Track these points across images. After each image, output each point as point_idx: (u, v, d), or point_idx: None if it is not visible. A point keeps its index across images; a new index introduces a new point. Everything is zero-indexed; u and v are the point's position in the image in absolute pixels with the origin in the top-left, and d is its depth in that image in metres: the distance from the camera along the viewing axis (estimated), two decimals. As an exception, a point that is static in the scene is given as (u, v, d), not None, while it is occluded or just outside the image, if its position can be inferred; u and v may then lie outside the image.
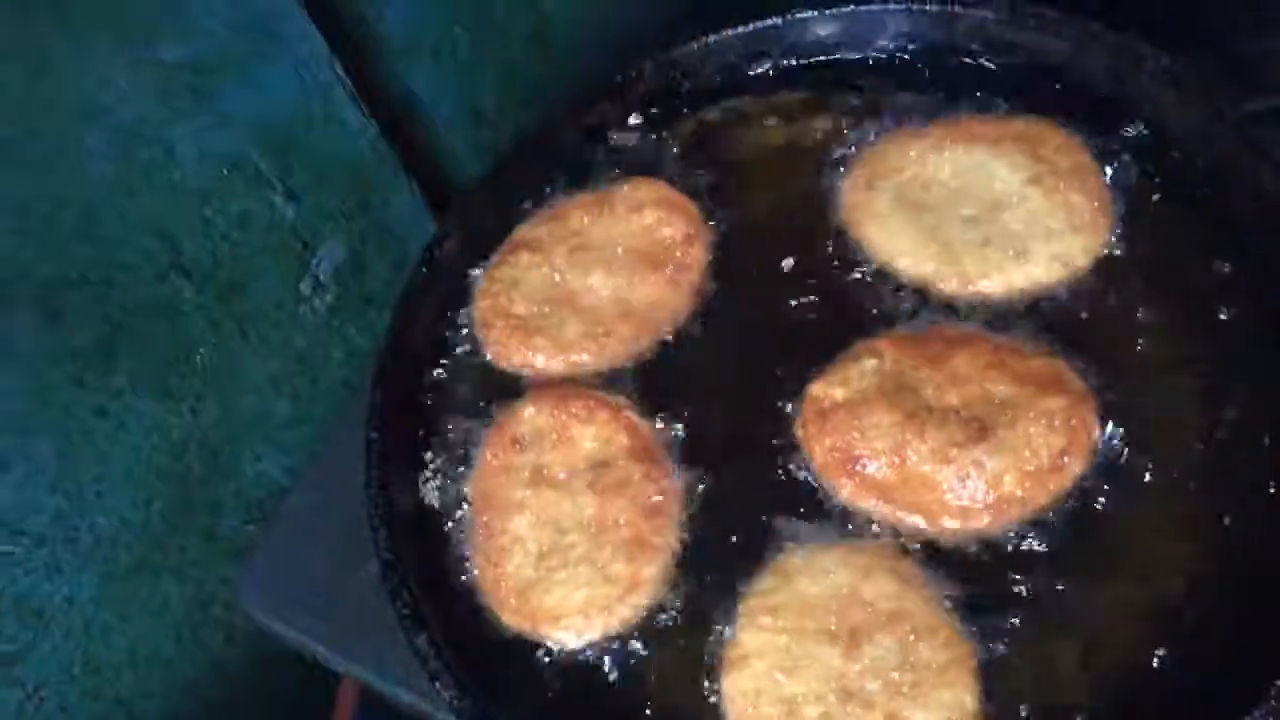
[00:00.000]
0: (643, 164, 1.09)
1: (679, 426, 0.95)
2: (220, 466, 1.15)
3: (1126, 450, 0.86)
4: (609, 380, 0.99)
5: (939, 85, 1.07)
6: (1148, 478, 0.85)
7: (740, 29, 1.11)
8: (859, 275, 0.99)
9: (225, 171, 1.05)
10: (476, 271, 1.06)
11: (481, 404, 1.00)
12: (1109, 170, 0.98)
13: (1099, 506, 0.85)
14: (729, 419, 0.95)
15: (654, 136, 1.12)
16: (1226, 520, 0.82)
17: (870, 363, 0.91)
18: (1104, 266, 0.95)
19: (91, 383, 1.00)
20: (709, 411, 0.95)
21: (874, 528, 0.87)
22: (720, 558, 0.88)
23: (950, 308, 0.95)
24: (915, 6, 1.08)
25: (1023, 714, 0.78)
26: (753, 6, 1.13)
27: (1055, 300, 0.94)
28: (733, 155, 1.09)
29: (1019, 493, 0.84)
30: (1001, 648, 0.80)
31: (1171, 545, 0.82)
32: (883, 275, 0.99)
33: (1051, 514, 0.85)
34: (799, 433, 0.91)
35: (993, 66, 1.07)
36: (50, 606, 1.03)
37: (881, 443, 0.88)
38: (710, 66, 1.12)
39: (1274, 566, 0.80)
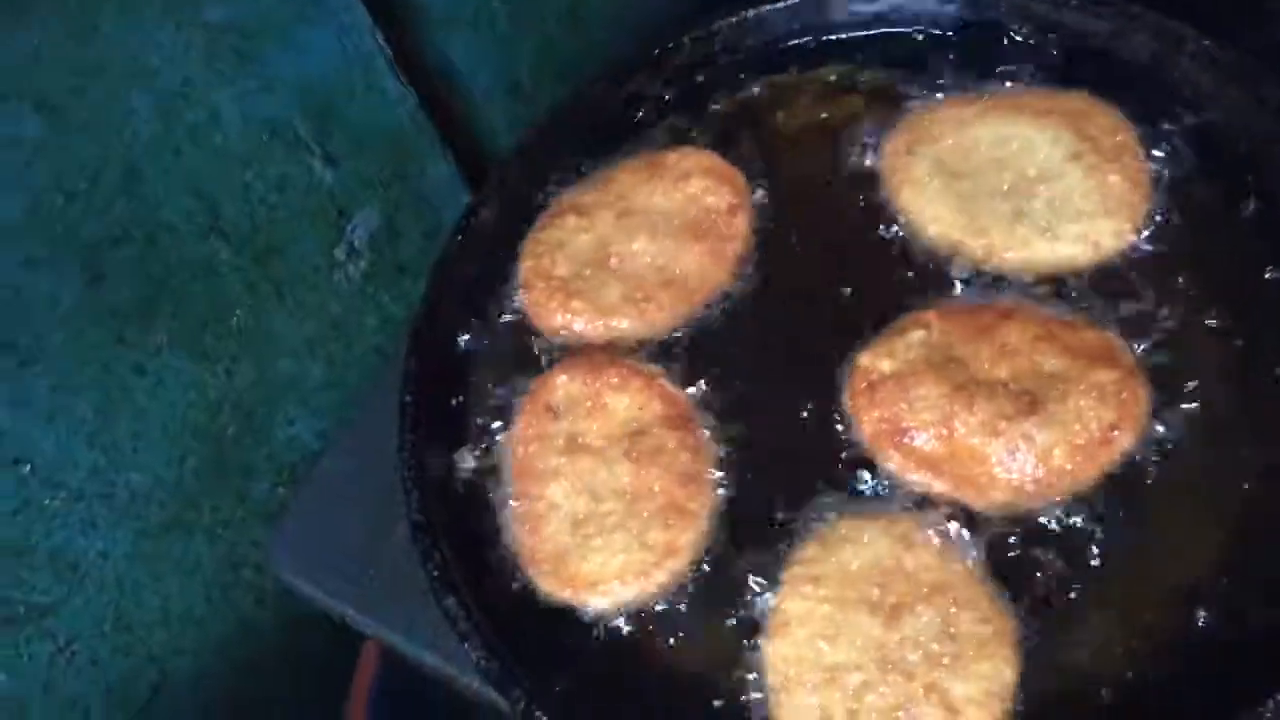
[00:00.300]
0: (682, 135, 1.10)
1: (717, 394, 0.95)
2: (253, 428, 1.17)
3: (1174, 425, 0.86)
4: (647, 347, 0.99)
5: (981, 61, 1.07)
6: (1194, 452, 0.85)
7: (779, 4, 1.11)
8: (895, 242, 0.99)
9: (266, 136, 1.06)
10: (519, 236, 1.07)
11: (517, 369, 1.01)
12: (1151, 152, 0.97)
13: (1146, 481, 0.85)
14: (768, 387, 0.95)
15: (694, 108, 1.11)
16: (1272, 495, 0.82)
17: (918, 334, 0.91)
18: (1135, 249, 0.95)
19: (131, 341, 1.02)
20: (748, 380, 0.96)
21: (917, 499, 0.87)
22: (756, 525, 0.89)
23: (995, 280, 0.95)
24: (955, -18, 1.08)
25: (1061, 686, 0.79)
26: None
27: (1085, 276, 0.94)
28: (774, 127, 1.09)
29: (1068, 466, 0.84)
30: (1042, 620, 0.81)
31: (1217, 521, 0.83)
32: (913, 241, 0.99)
33: (1099, 487, 0.85)
34: (847, 404, 0.91)
35: (1034, 44, 1.07)
36: (85, 561, 1.05)
37: (930, 415, 0.88)
38: (750, 39, 1.12)
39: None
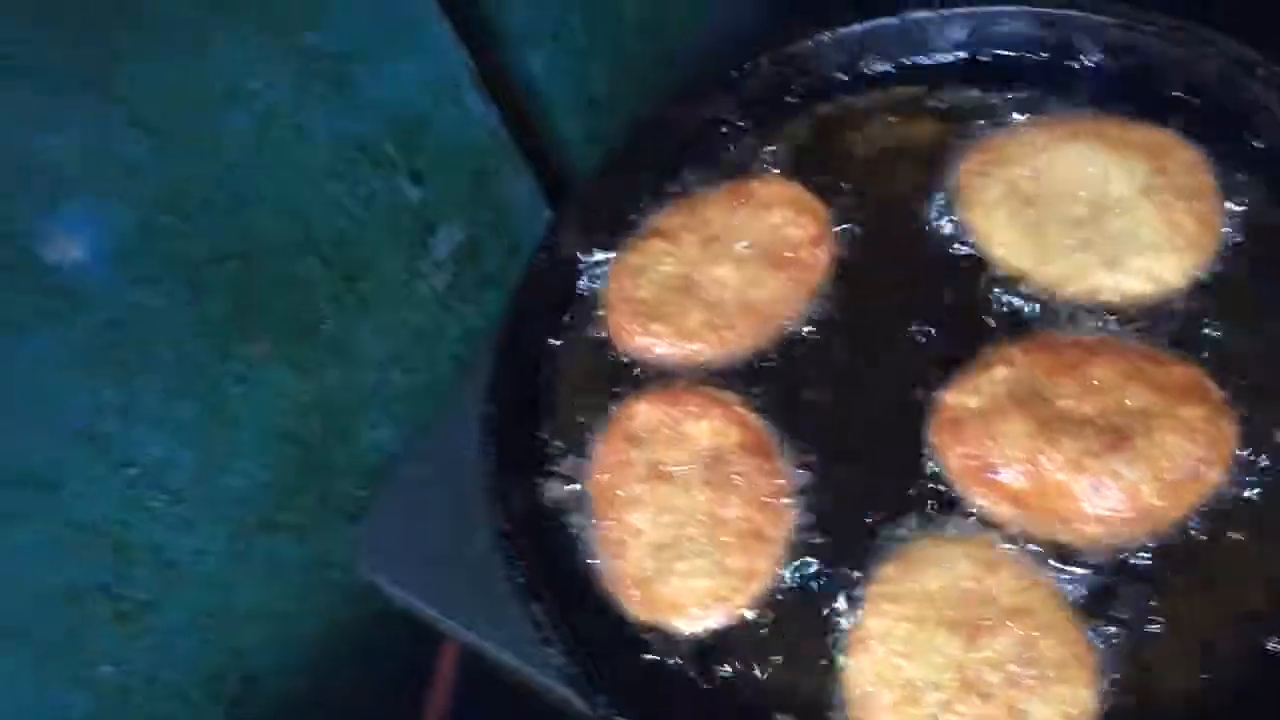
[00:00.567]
0: (760, 160, 1.12)
1: (795, 422, 0.98)
2: (339, 433, 1.21)
3: (1263, 459, 0.87)
4: (726, 372, 1.02)
5: (1058, 86, 1.08)
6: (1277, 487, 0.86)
7: (856, 27, 1.13)
8: (967, 266, 1.01)
9: (356, 155, 1.10)
10: (597, 257, 1.10)
11: (598, 389, 1.05)
12: (1224, 190, 0.98)
13: (1231, 514, 0.86)
14: (845, 415, 0.98)
15: (771, 131, 1.14)
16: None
17: (1002, 371, 0.93)
18: (1201, 285, 0.96)
19: (230, 351, 1.06)
20: (825, 408, 0.99)
21: (993, 529, 0.89)
22: (835, 548, 0.92)
23: (1066, 310, 0.96)
24: (1031, 9, 1.09)
25: (1139, 712, 0.80)
26: (865, 6, 1.14)
27: (1161, 310, 0.95)
28: (852, 149, 1.12)
29: (1156, 501, 0.85)
30: (1122, 647, 0.83)
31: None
32: (983, 265, 1.01)
33: (1185, 520, 0.86)
34: (931, 438, 0.93)
35: (1110, 69, 1.08)
36: (183, 559, 1.09)
37: (1016, 451, 0.89)
38: (825, 63, 1.14)
39: None
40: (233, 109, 0.97)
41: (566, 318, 1.09)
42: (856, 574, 0.90)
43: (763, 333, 1.02)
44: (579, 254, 1.10)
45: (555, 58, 1.31)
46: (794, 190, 1.08)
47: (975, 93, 1.10)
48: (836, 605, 0.89)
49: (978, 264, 1.02)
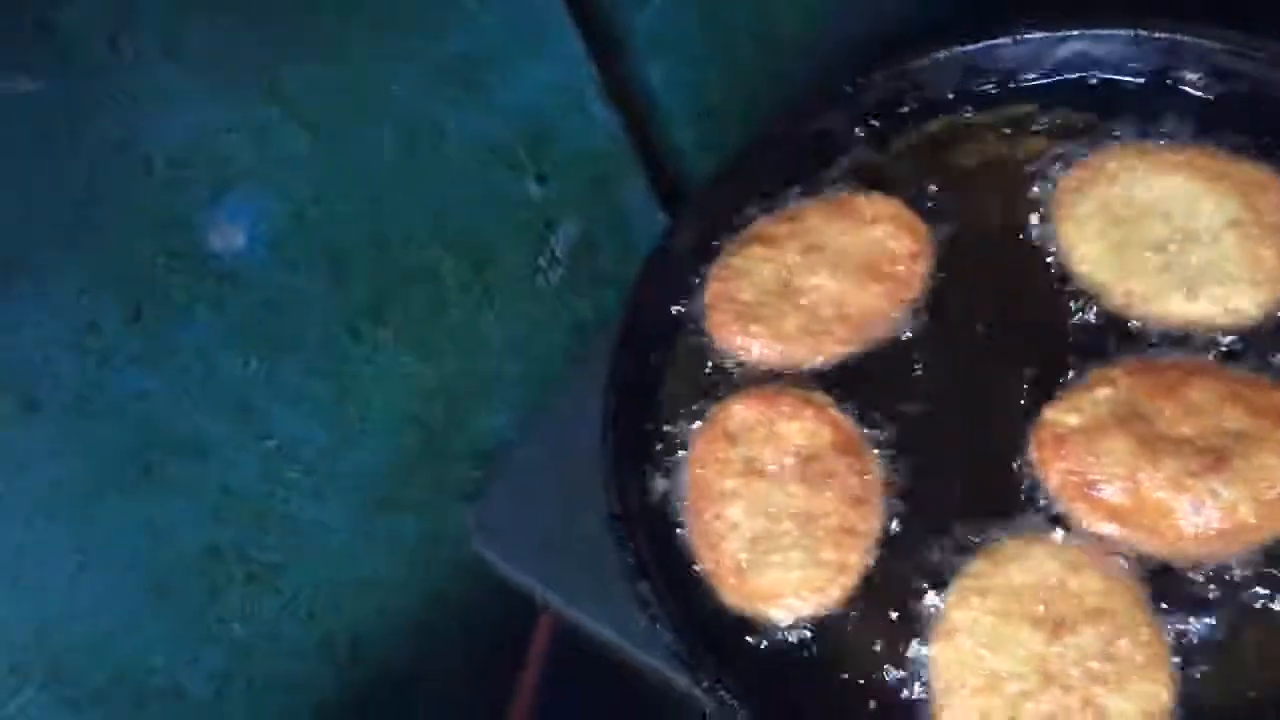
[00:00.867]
0: (867, 172, 1.16)
1: (886, 425, 1.02)
2: (458, 417, 1.27)
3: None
4: (819, 376, 1.07)
5: (1159, 109, 1.11)
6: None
7: (969, 46, 1.16)
8: (1054, 281, 1.05)
9: (487, 154, 1.16)
10: (709, 259, 1.15)
11: (699, 385, 1.10)
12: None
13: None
14: (937, 420, 1.02)
15: (880, 145, 1.18)
16: None
17: (1105, 391, 0.96)
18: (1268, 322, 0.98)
19: (364, 335, 1.13)
20: (917, 414, 1.03)
21: (1076, 534, 0.93)
22: (925, 545, 0.96)
23: (1182, 337, 0.99)
24: (1140, 32, 1.12)
25: (1216, 713, 0.84)
26: (979, 24, 1.18)
27: (1251, 337, 0.98)
28: (956, 166, 1.15)
29: (1253, 520, 0.88)
30: (1203, 654, 0.86)
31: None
32: (1064, 279, 1.05)
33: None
34: (1033, 454, 0.97)
35: (1214, 95, 1.10)
36: (311, 527, 1.16)
37: (1117, 468, 0.92)
38: (937, 80, 1.18)
39: None
40: (380, 111, 1.04)
41: (677, 314, 1.14)
42: (945, 568, 0.94)
43: (857, 340, 1.07)
44: (690, 257, 1.15)
45: (674, 69, 1.36)
46: (895, 206, 1.12)
47: (1082, 114, 1.13)
48: (925, 598, 0.93)
49: (1063, 279, 1.05)
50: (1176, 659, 0.86)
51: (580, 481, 1.06)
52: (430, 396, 1.22)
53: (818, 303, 1.09)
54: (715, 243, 1.16)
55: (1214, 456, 0.91)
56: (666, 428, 1.08)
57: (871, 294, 1.08)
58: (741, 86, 1.45)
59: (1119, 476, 0.92)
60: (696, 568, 1.00)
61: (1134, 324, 1.01)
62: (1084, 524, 0.93)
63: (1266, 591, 0.87)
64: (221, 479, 1.06)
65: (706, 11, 1.36)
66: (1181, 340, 0.99)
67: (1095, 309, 1.03)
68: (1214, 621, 0.87)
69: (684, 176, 1.44)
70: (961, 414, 1.02)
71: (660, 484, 1.05)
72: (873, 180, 1.15)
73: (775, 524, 0.99)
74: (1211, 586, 0.88)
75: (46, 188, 0.85)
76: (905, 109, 1.19)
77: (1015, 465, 0.97)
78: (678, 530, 1.02)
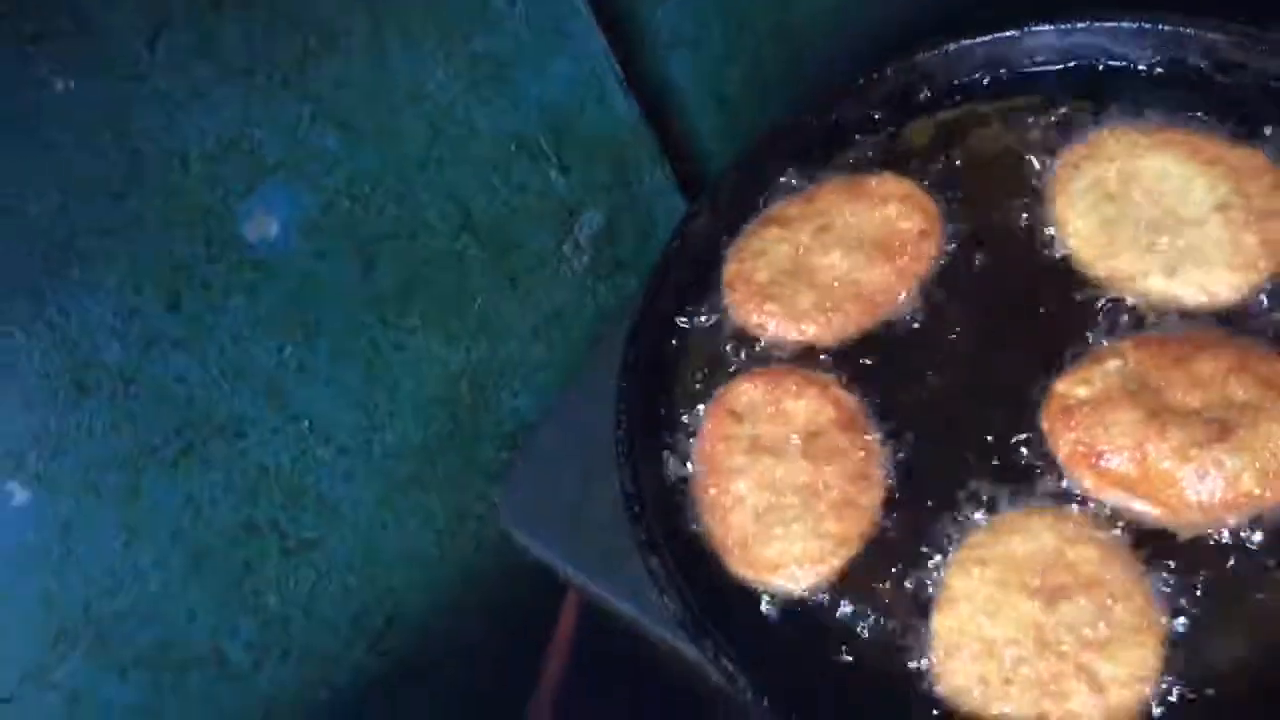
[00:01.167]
0: (880, 159, 1.19)
1: (891, 400, 1.05)
2: (484, 399, 1.32)
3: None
4: (831, 352, 1.10)
5: (1166, 97, 1.12)
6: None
7: (980, 38, 1.19)
8: (1053, 260, 1.08)
9: (513, 148, 1.20)
10: (725, 244, 1.18)
11: (715, 363, 1.13)
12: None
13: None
14: (940, 396, 1.05)
15: (892, 133, 1.21)
16: None
17: (1114, 363, 0.98)
18: (1245, 303, 1.00)
19: (392, 321, 1.17)
20: (922, 389, 1.05)
21: (1077, 505, 0.95)
22: (924, 518, 0.99)
23: (1168, 315, 1.02)
24: (1147, 25, 1.14)
25: (1203, 682, 0.86)
26: (990, 17, 1.20)
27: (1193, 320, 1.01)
28: (966, 152, 1.17)
29: (1256, 490, 0.90)
30: (1195, 621, 0.88)
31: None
32: (1056, 252, 1.07)
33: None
34: (1044, 426, 0.99)
35: (1217, 84, 1.12)
36: (344, 505, 1.21)
37: (1124, 439, 0.94)
38: (948, 72, 1.20)
39: None
40: (409, 107, 1.09)
41: (693, 299, 1.17)
42: (945, 541, 0.97)
43: (869, 317, 1.10)
44: (708, 242, 1.19)
45: (694, 62, 1.39)
46: (906, 186, 1.14)
47: (1088, 101, 1.15)
48: (925, 569, 0.96)
49: (1056, 255, 1.08)
50: (1168, 625, 0.88)
51: (601, 461, 1.09)
52: (456, 380, 1.27)
53: (831, 281, 1.12)
54: (733, 227, 1.19)
55: (1219, 427, 0.93)
56: (681, 407, 1.12)
57: (883, 272, 1.11)
58: (759, 78, 1.48)
59: (1126, 447, 0.94)
60: (706, 543, 1.04)
61: (1126, 301, 1.03)
62: (1092, 493, 0.95)
63: (1262, 558, 0.89)
64: (258, 458, 1.11)
65: (725, 5, 1.39)
66: (1165, 318, 1.01)
67: (1085, 285, 1.05)
68: (1208, 589, 0.89)
69: (703, 164, 1.47)
70: (964, 389, 1.05)
71: (674, 462, 1.09)
72: (885, 166, 1.18)
73: (780, 498, 1.02)
74: (1207, 554, 0.91)
75: (89, 181, 0.90)
76: (918, 100, 1.21)
77: (1017, 439, 1.00)
78: (689, 506, 1.06)
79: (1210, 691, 0.86)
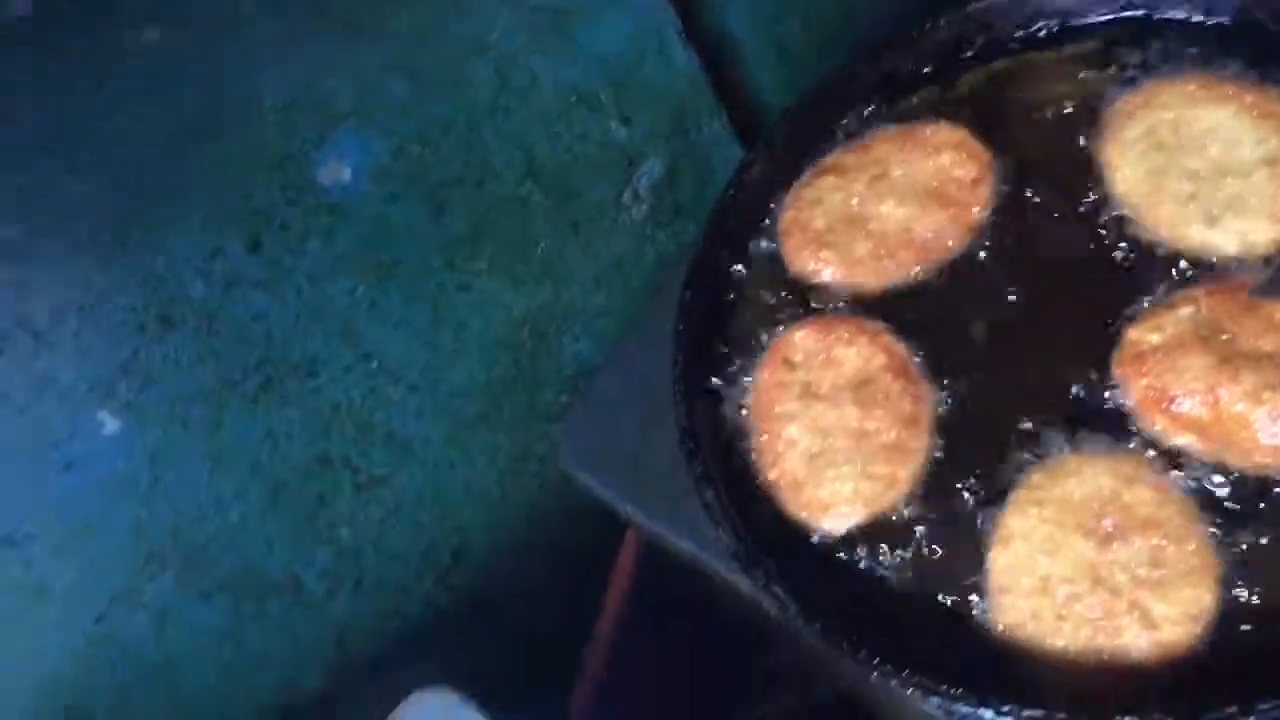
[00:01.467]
0: (935, 109, 1.20)
1: (941, 347, 1.07)
2: (546, 344, 1.35)
3: None
4: (884, 300, 1.12)
5: (1226, 48, 1.12)
6: None
7: (1036, -11, 1.19)
8: (1100, 205, 1.08)
9: (574, 98, 1.23)
10: (780, 192, 1.20)
11: (770, 308, 1.15)
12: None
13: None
14: (994, 340, 1.07)
15: (947, 83, 1.21)
16: None
17: (1187, 310, 0.99)
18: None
19: (460, 265, 1.21)
20: (976, 333, 1.07)
21: (1134, 448, 0.96)
22: (974, 462, 1.01)
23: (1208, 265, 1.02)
24: (1210, -28, 1.13)
25: (1256, 623, 0.87)
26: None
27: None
28: (1020, 101, 1.18)
29: None
30: (1249, 563, 0.89)
31: None
32: (1104, 199, 1.08)
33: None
34: (1115, 371, 1.00)
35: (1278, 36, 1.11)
36: (413, 442, 1.25)
37: (1196, 384, 0.95)
38: (1003, 22, 1.21)
39: None
40: (476, 57, 1.12)
41: (750, 246, 1.19)
42: (996, 484, 0.98)
43: (923, 264, 1.11)
44: (763, 190, 1.20)
45: (753, 13, 1.41)
46: (959, 134, 1.15)
47: (1143, 51, 1.15)
48: (975, 510, 0.98)
49: (1106, 202, 1.09)
50: (1223, 566, 0.90)
51: (659, 407, 1.12)
52: (520, 324, 1.31)
53: (885, 228, 1.13)
54: (789, 175, 1.21)
55: None
56: (736, 354, 1.14)
57: (937, 219, 1.12)
58: (818, 29, 1.50)
59: (1199, 391, 0.95)
60: (759, 484, 1.06)
61: (1168, 248, 1.04)
62: (1164, 437, 0.96)
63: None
64: (331, 395, 1.16)
65: (784, -42, 1.42)
66: (1209, 268, 1.02)
67: (1130, 233, 1.06)
68: (1268, 531, 0.90)
69: (762, 115, 1.49)
70: (1014, 336, 1.06)
71: (729, 404, 1.12)
72: (940, 115, 1.19)
73: (831, 441, 1.05)
74: (1272, 497, 0.92)
75: (175, 128, 0.95)
76: (972, 50, 1.22)
77: (1068, 383, 1.01)
78: (743, 447, 1.09)
79: (1264, 630, 0.87)
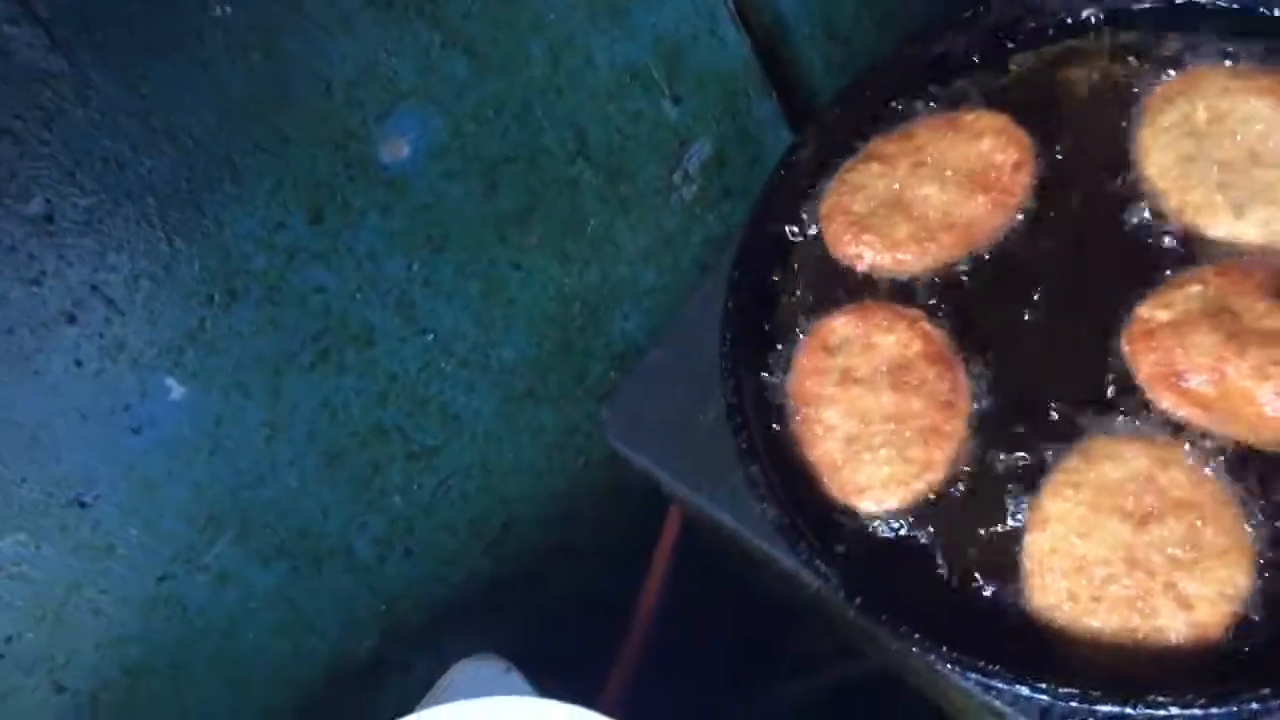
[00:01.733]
0: (981, 93, 1.21)
1: (978, 331, 1.09)
2: (595, 320, 1.38)
3: None
4: (925, 285, 1.14)
5: (1269, 42, 1.12)
6: None
7: (1086, -26, 1.20)
8: (1137, 190, 1.10)
9: (628, 78, 1.25)
10: (827, 175, 1.22)
11: (813, 290, 1.18)
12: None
13: None
14: (1027, 325, 1.08)
15: (994, 68, 1.22)
16: None
17: (1195, 289, 1.01)
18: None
19: (511, 241, 1.24)
20: (1008, 318, 1.09)
21: (1176, 429, 0.98)
22: (1009, 444, 1.03)
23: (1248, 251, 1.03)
24: (1261, -37, 1.13)
25: None
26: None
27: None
28: (1065, 86, 1.19)
29: None
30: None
31: None
32: (1137, 183, 1.10)
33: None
34: (1124, 348, 1.02)
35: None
36: (464, 415, 1.29)
37: (1204, 359, 0.97)
38: (1053, 8, 1.22)
39: None
40: (532, 37, 1.15)
41: (796, 228, 1.22)
42: (1031, 466, 1.00)
43: (963, 248, 1.13)
44: (810, 173, 1.23)
45: (806, -5, 1.43)
46: (1002, 121, 1.17)
47: (1192, 41, 1.15)
48: (1010, 492, 1.00)
49: (1139, 186, 1.10)
50: (1257, 547, 0.91)
51: (705, 382, 1.15)
52: (569, 300, 1.33)
53: (927, 213, 1.15)
54: (834, 159, 1.23)
55: None
56: (779, 337, 1.17)
57: (977, 203, 1.13)
58: (869, 14, 1.51)
59: (1206, 368, 0.97)
60: (799, 466, 1.09)
61: (1196, 234, 1.05)
62: (1172, 412, 0.98)
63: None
64: (387, 366, 1.19)
65: (838, -60, 1.42)
66: (1236, 256, 1.03)
67: (1160, 216, 1.08)
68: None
69: (811, 95, 1.50)
70: (1050, 319, 1.08)
71: (772, 385, 1.14)
72: (986, 100, 1.20)
73: (868, 425, 1.07)
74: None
75: (244, 102, 0.98)
76: (1020, 35, 1.23)
77: (1102, 366, 1.03)
78: (785, 428, 1.11)
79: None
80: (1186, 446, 0.97)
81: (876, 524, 1.04)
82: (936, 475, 1.03)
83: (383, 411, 1.21)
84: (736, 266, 1.17)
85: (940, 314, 1.12)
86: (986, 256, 1.13)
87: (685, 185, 1.39)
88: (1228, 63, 1.12)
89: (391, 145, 1.09)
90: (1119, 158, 1.13)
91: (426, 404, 1.25)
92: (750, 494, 1.07)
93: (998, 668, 0.90)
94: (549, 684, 1.18)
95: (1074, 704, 0.88)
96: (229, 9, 0.93)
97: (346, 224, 1.08)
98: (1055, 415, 1.02)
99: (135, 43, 0.88)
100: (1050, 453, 1.01)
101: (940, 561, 1.00)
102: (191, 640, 1.15)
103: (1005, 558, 0.98)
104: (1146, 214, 1.09)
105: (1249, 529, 0.92)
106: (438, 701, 1.13)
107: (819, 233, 1.20)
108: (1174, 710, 0.85)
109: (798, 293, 1.19)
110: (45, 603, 1.02)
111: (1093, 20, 1.21)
